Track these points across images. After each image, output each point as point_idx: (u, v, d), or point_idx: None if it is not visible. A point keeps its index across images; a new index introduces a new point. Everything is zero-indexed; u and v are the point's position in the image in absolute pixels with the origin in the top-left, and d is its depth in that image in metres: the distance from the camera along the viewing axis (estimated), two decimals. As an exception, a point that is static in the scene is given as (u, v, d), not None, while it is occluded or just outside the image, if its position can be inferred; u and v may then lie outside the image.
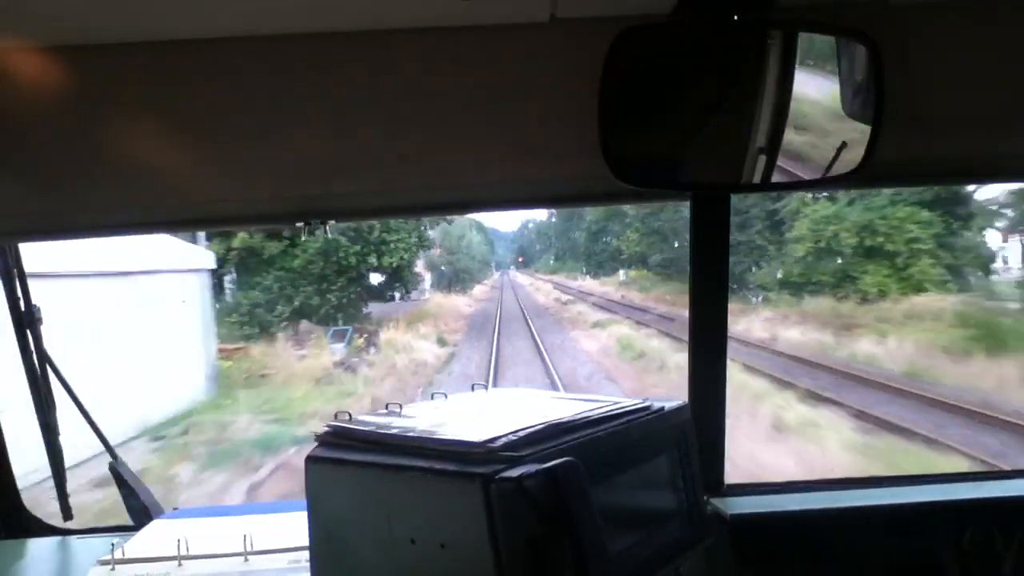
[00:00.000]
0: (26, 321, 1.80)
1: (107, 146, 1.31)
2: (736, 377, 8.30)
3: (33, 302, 1.81)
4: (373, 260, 10.59)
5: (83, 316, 6.56)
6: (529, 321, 13.88)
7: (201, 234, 9.21)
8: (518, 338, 12.39)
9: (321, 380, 8.78)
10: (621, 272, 17.54)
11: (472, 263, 17.61)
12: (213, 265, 9.36)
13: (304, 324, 9.41)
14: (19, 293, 1.79)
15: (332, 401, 8.16)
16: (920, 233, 11.86)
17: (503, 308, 15.28)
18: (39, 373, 1.83)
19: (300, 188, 1.36)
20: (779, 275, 12.23)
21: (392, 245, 10.92)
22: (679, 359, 9.21)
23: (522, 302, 17.24)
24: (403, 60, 1.31)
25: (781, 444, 7.11)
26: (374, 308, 11.22)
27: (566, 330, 13.15)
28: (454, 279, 14.93)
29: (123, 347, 7.31)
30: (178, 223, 1.63)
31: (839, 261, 11.99)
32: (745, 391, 8.21)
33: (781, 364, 9.48)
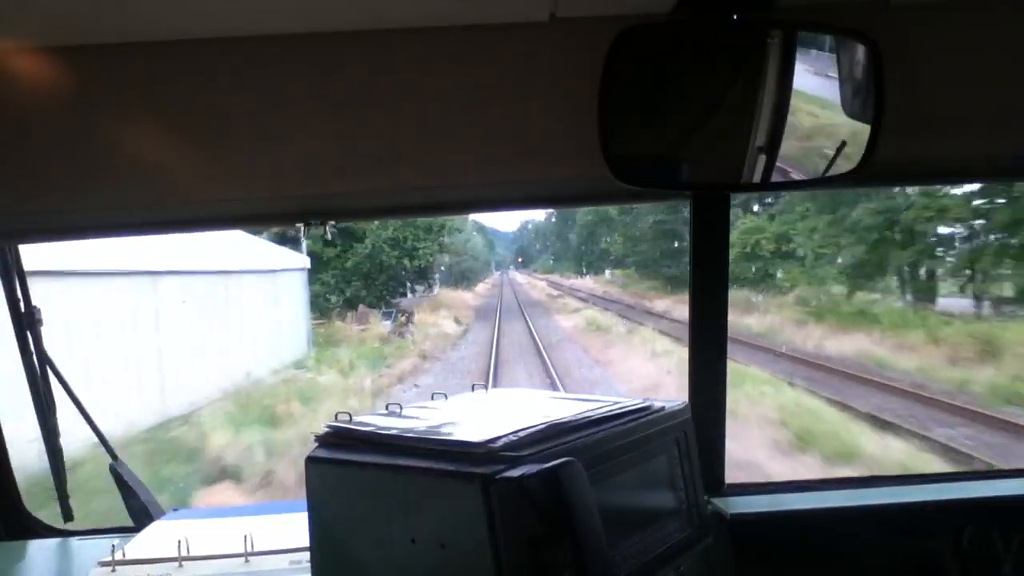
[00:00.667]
0: (26, 322, 1.80)
1: (107, 147, 1.31)
2: (652, 335, 13.74)
3: (33, 303, 1.81)
4: (406, 262, 14.27)
5: (252, 300, 11.29)
6: (523, 309, 18.79)
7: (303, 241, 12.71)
8: (515, 321, 16.94)
9: (384, 342, 13.00)
10: (607, 271, 21.03)
11: (476, 263, 21.08)
12: (308, 265, 13.05)
13: (361, 308, 13.51)
14: (19, 294, 1.79)
15: (398, 350, 12.46)
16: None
17: (503, 300, 19.79)
18: (39, 374, 1.83)
19: (300, 188, 1.36)
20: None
21: (421, 251, 14.51)
22: (620, 329, 14.23)
23: (519, 297, 21.26)
24: (402, 60, 1.31)
25: (644, 349, 12.69)
26: (400, 300, 15.34)
27: (551, 315, 17.86)
28: (460, 277, 18.61)
29: (267, 318, 11.74)
30: (178, 223, 1.63)
31: (761, 263, 16.08)
32: (651, 342, 13.28)
33: (680, 329, 14.63)
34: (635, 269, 19.70)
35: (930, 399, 9.32)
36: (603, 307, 17.73)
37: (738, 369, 10.27)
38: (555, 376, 11.21)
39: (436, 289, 16.64)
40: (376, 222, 13.58)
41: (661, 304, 15.29)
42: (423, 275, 14.96)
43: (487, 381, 11.00)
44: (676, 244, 16.52)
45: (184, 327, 8.93)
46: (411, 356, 12.24)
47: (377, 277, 13.71)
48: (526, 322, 16.22)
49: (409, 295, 15.09)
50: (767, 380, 10.16)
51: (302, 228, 1.65)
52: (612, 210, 19.37)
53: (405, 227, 13.61)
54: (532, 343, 13.47)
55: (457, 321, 15.25)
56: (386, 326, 13.33)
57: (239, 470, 7.16)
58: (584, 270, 23.05)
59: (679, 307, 14.18)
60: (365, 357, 11.90)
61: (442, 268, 17.55)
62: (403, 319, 13.43)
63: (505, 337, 14.28)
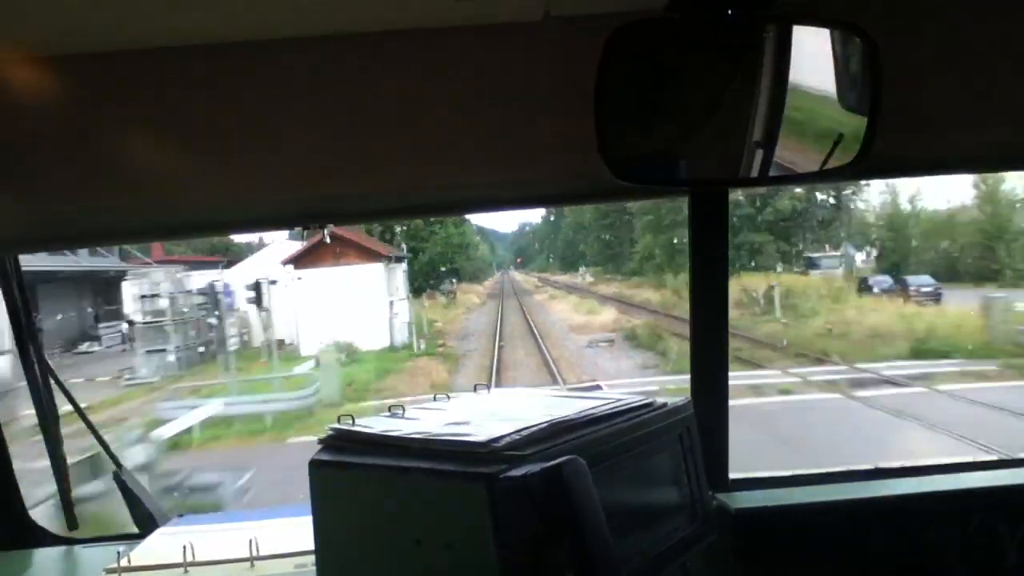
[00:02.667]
0: (27, 332, 1.80)
1: (106, 154, 1.31)
2: (572, 298, 24.66)
3: (32, 312, 1.81)
4: (448, 266, 23.39)
5: (398, 282, 17.62)
6: (517, 294, 29.94)
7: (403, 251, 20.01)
8: (511, 300, 27.79)
9: (446, 306, 22.03)
10: (581, 269, 30.74)
11: (483, 265, 31.75)
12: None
13: (428, 291, 22.14)
14: (19, 304, 1.78)
15: (454, 308, 22.02)
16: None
17: (504, 291, 30.52)
18: (41, 383, 1.82)
19: (299, 192, 1.37)
20: (629, 266, 25.81)
21: (456, 259, 23.98)
22: (556, 294, 26.37)
23: (515, 288, 32.53)
24: (399, 61, 1.31)
25: (566, 302, 24.01)
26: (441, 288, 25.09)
27: (532, 295, 28.88)
28: (473, 276, 28.47)
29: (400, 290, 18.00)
30: (178, 229, 1.63)
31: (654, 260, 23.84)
32: (569, 300, 24.32)
33: (590, 295, 25.51)
34: (604, 267, 28.94)
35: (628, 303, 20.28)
36: (563, 290, 28.89)
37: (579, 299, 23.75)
38: (526, 313, 22.50)
39: (457, 284, 26.59)
40: (427, 238, 22.49)
41: (596, 286, 26.56)
42: (455, 274, 24.74)
43: (497, 324, 20.08)
44: (612, 250, 27.22)
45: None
46: (462, 308, 22.87)
47: (431, 275, 22.97)
48: (517, 299, 28.01)
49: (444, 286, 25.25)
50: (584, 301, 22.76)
51: (301, 231, 1.65)
52: (587, 218, 28.80)
53: (447, 246, 23.17)
54: (519, 306, 25.38)
55: (478, 298, 26.34)
56: (442, 300, 22.99)
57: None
58: (567, 269, 32.85)
59: (603, 288, 25.92)
60: (445, 307, 21.74)
61: (443, 268, 26.00)
62: (451, 296, 23.72)
63: (506, 302, 26.42)
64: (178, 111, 1.31)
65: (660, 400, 1.38)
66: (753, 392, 11.63)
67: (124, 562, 1.52)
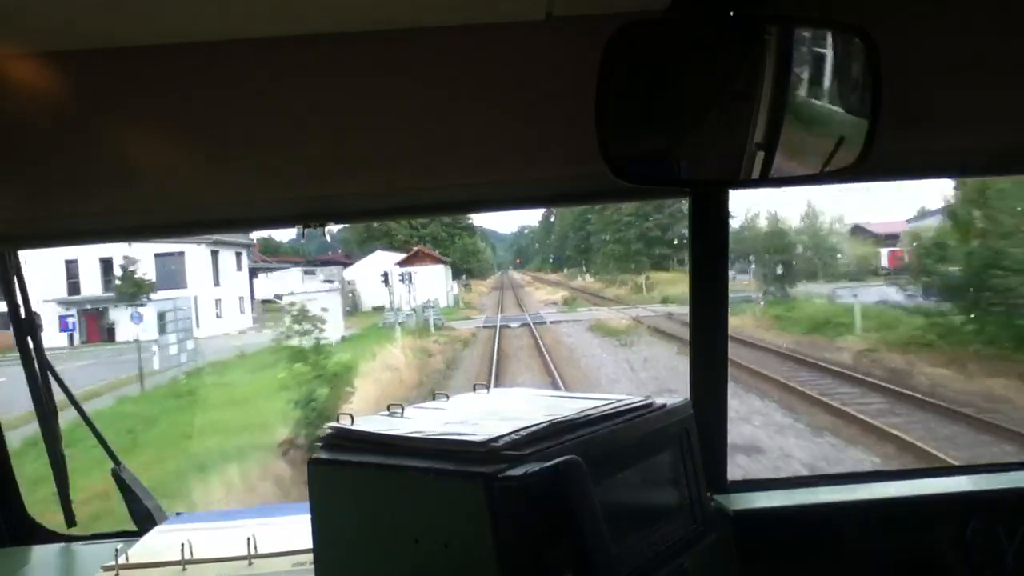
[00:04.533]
0: (26, 328, 1.80)
1: (106, 151, 1.31)
2: (550, 288, 33.12)
3: (33, 308, 1.81)
4: (464, 267, 30.43)
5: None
6: (513, 287, 37.50)
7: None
8: (508, 292, 34.35)
9: (465, 292, 30.00)
10: (565, 269, 38.14)
11: (487, 266, 38.74)
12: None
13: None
14: (19, 300, 1.78)
15: (471, 293, 30.51)
16: (625, 250, 30.14)
17: (503, 286, 37.93)
18: (40, 380, 1.82)
19: (299, 189, 1.36)
20: (596, 265, 32.75)
21: (470, 262, 31.46)
22: (540, 287, 34.34)
23: (512, 284, 40.22)
24: (399, 61, 1.31)
25: (544, 290, 32.76)
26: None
27: (524, 288, 36.23)
28: (477, 273, 35.77)
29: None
30: (177, 227, 1.63)
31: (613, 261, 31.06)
32: (546, 289, 32.90)
33: (563, 287, 33.30)
34: (586, 266, 36.49)
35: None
36: (546, 284, 36.59)
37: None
38: (517, 296, 30.58)
39: (466, 280, 34.29)
40: (448, 246, 28.28)
41: (571, 281, 34.31)
42: (467, 273, 31.90)
43: (500, 299, 28.95)
44: (587, 255, 33.66)
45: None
46: (475, 295, 29.75)
47: (455, 271, 28.75)
48: (514, 292, 34.69)
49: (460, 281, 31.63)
50: (556, 289, 30.84)
51: (301, 229, 1.65)
52: (567, 227, 35.91)
53: (464, 252, 30.39)
54: (514, 295, 32.53)
55: (485, 288, 34.13)
56: (461, 291, 29.69)
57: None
58: (558, 269, 39.76)
59: (575, 283, 32.96)
60: (465, 294, 28.81)
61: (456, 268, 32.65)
62: (467, 287, 30.25)
63: (504, 293, 33.26)
64: (178, 109, 1.31)
65: (659, 401, 1.38)
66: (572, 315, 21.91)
67: (122, 559, 1.52)
